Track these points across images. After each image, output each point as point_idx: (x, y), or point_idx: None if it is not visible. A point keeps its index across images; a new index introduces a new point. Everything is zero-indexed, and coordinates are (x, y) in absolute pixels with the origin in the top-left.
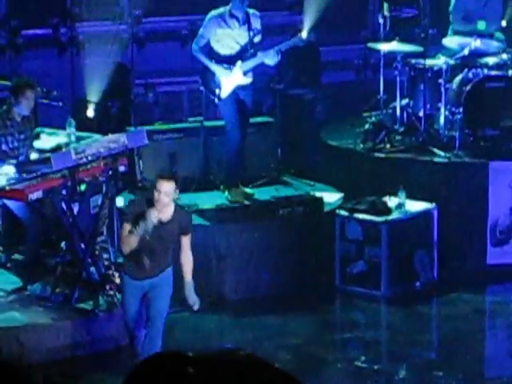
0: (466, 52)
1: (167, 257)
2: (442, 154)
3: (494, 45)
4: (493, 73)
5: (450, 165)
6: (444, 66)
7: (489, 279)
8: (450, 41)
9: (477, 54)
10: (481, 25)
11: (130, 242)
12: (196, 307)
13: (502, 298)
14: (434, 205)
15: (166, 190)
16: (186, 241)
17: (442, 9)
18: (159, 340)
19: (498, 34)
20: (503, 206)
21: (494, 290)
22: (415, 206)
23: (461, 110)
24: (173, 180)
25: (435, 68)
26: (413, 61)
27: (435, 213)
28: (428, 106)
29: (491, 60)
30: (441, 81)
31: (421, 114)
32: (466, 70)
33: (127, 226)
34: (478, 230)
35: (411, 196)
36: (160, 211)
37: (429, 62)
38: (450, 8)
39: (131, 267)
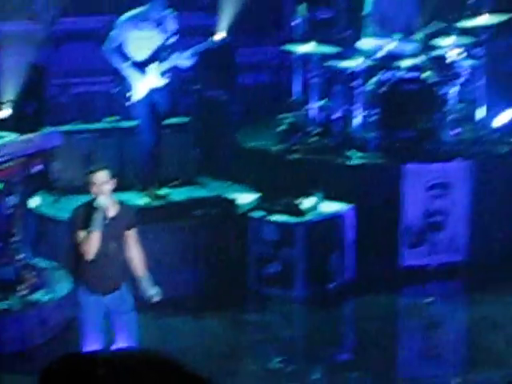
0: (381, 54)
1: (120, 260)
2: (357, 155)
3: (410, 47)
4: (408, 75)
5: (365, 166)
6: (359, 68)
7: (403, 281)
8: (366, 42)
9: (392, 56)
10: (397, 36)
11: (92, 244)
12: (158, 297)
13: (416, 299)
14: (349, 206)
15: (103, 179)
16: (132, 234)
17: (358, 11)
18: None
19: (415, 36)
20: (418, 207)
21: (409, 291)
22: (330, 208)
23: (376, 111)
24: (104, 169)
25: (351, 70)
26: (329, 62)
27: (350, 214)
28: (344, 108)
29: (407, 62)
30: (356, 83)
31: (336, 115)
32: (381, 71)
33: (81, 233)
34: (392, 231)
35: (326, 197)
36: (107, 208)
37: (345, 63)
38: (366, 10)
39: (89, 279)
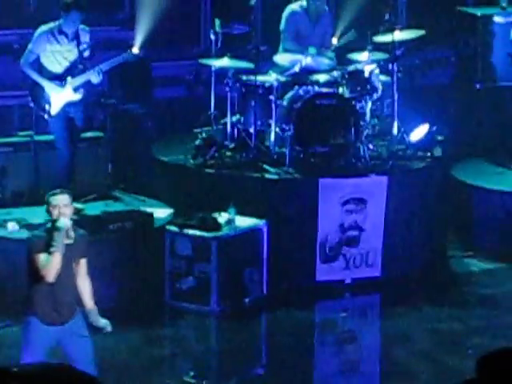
0: (296, 69)
1: (73, 288)
2: (273, 170)
3: (325, 62)
4: (323, 90)
5: (280, 181)
6: (275, 83)
7: (318, 295)
8: (281, 58)
9: (307, 71)
10: (311, 50)
11: (55, 265)
12: (109, 328)
13: (330, 314)
14: (264, 221)
15: (64, 202)
16: (84, 264)
17: (273, 26)
18: None
19: (330, 51)
20: (333, 222)
21: (323, 306)
22: (245, 222)
23: (291, 126)
24: (65, 193)
25: (266, 84)
26: (244, 77)
27: (265, 229)
28: (259, 123)
29: (322, 77)
30: (272, 97)
31: (251, 130)
32: (296, 86)
33: (41, 256)
34: (307, 246)
35: (241, 212)
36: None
37: (260, 78)
38: (281, 27)
39: (40, 309)
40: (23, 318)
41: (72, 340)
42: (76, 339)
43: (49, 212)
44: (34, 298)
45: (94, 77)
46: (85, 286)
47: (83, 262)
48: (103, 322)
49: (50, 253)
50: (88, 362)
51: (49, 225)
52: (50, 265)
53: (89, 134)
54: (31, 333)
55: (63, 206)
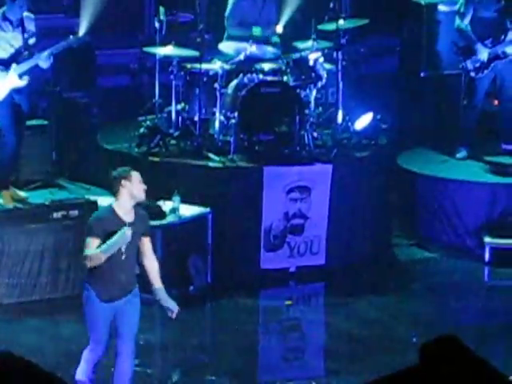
0: (241, 57)
1: (135, 264)
2: (217, 158)
3: (270, 50)
4: (268, 78)
5: (224, 169)
6: (220, 71)
7: (262, 283)
8: (226, 46)
9: (252, 60)
10: (256, 31)
11: (98, 260)
12: (176, 310)
13: (275, 302)
14: (208, 209)
15: (140, 178)
16: (148, 242)
17: (218, 14)
18: (133, 358)
19: (275, 39)
20: (277, 210)
21: (268, 294)
22: (190, 211)
23: (236, 114)
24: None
25: (211, 73)
26: (188, 65)
27: (210, 217)
28: (203, 111)
29: (267, 65)
30: (216, 85)
31: (196, 118)
32: (241, 75)
33: (94, 242)
34: (252, 234)
35: (186, 200)
36: (125, 212)
37: (204, 66)
38: (226, 13)
39: (100, 287)
40: (82, 294)
41: (125, 309)
42: (129, 309)
43: (117, 190)
44: (94, 275)
45: (43, 61)
46: (151, 264)
47: (147, 240)
48: (172, 303)
49: (99, 246)
50: (131, 332)
51: (112, 204)
52: (93, 259)
53: (33, 122)
54: (91, 308)
55: (140, 180)
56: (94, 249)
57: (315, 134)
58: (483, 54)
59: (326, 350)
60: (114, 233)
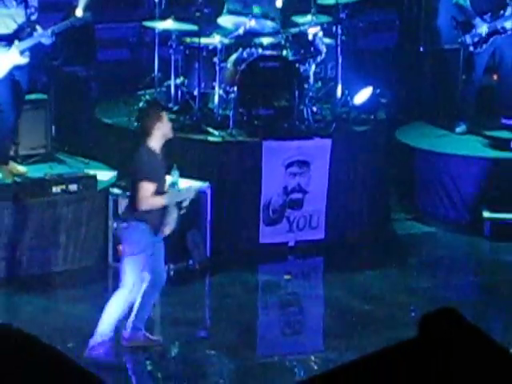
0: (240, 31)
1: None
2: (216, 132)
3: (269, 25)
4: (267, 53)
5: (223, 144)
6: (219, 45)
7: (261, 258)
8: (225, 20)
9: (252, 34)
10: (256, 9)
11: (158, 206)
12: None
13: (274, 276)
14: (207, 184)
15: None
16: None
17: None
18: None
19: (274, 14)
20: (277, 185)
21: (266, 268)
22: (189, 185)
23: (235, 89)
24: None
25: (210, 47)
26: (187, 39)
27: (209, 192)
28: (202, 85)
29: (266, 40)
30: (215, 60)
31: (195, 92)
32: (240, 49)
33: (151, 186)
34: (251, 209)
35: (185, 175)
36: (159, 151)
37: (203, 40)
38: None
39: (155, 221)
40: (130, 221)
41: (160, 245)
42: (160, 244)
43: (151, 132)
44: (151, 211)
45: (46, 38)
46: None
47: None
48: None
49: (161, 193)
50: (163, 268)
51: (148, 145)
52: (154, 204)
53: (32, 97)
54: (139, 235)
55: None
56: (150, 193)
57: (314, 109)
58: (482, 28)
59: (324, 325)
60: (161, 172)
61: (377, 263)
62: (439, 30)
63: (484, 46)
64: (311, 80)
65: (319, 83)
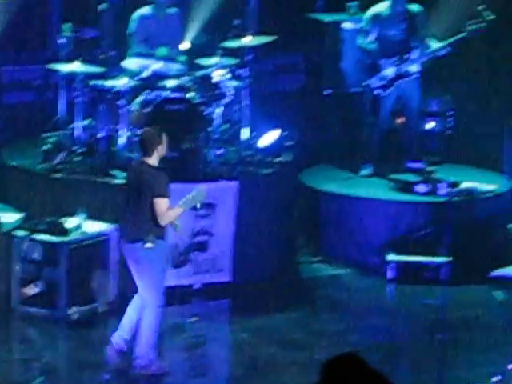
0: (146, 74)
1: None
2: (122, 175)
3: (175, 67)
4: (173, 95)
5: None
6: (124, 88)
7: (167, 300)
8: (131, 62)
9: (157, 76)
10: (162, 51)
11: (173, 218)
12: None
13: (179, 319)
14: (113, 226)
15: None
16: None
17: (123, 30)
18: None
19: (180, 56)
20: (184, 227)
21: (172, 311)
22: (94, 227)
23: (141, 131)
24: None
25: (115, 89)
26: (93, 82)
27: (114, 234)
28: (108, 128)
29: (171, 82)
30: (121, 102)
31: (101, 135)
32: (146, 91)
33: (165, 201)
34: None
35: (91, 217)
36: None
37: (109, 83)
38: (130, 30)
39: (165, 236)
40: (149, 241)
41: None
42: None
43: (152, 152)
44: (164, 226)
45: None
46: None
47: None
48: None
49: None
50: None
51: (149, 162)
52: (169, 217)
53: None
54: (160, 253)
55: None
56: (167, 207)
57: (220, 151)
58: (388, 72)
59: (230, 367)
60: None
61: (283, 306)
62: (344, 73)
63: (389, 90)
64: (217, 122)
65: (224, 126)
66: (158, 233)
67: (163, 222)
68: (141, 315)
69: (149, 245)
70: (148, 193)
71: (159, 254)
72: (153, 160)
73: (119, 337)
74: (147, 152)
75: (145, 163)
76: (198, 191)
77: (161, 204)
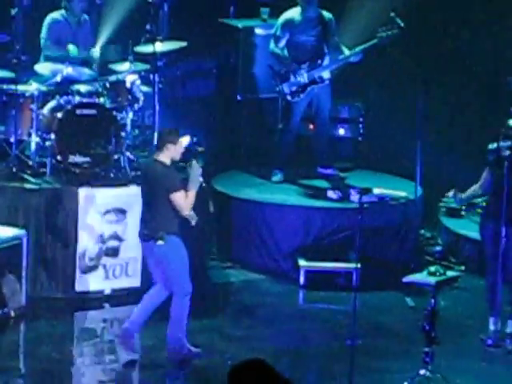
0: (58, 78)
1: None
2: (33, 180)
3: (87, 72)
4: (84, 100)
5: (40, 191)
6: (36, 92)
7: (77, 306)
8: (42, 67)
9: (69, 81)
10: (71, 50)
11: (191, 202)
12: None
13: (89, 324)
14: (23, 231)
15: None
16: None
17: (34, 35)
18: None
19: (91, 61)
20: (93, 232)
21: (83, 316)
22: (5, 232)
23: (52, 136)
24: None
25: (27, 94)
26: (4, 86)
27: (25, 239)
28: (19, 132)
29: (83, 87)
30: (33, 107)
31: (12, 139)
32: (57, 96)
33: (181, 194)
34: (67, 256)
35: (2, 222)
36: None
37: (20, 87)
38: (42, 34)
39: (177, 229)
40: (160, 238)
41: None
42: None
43: (162, 149)
44: (173, 219)
45: None
46: None
47: None
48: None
49: (186, 190)
50: None
51: (159, 159)
52: (189, 203)
53: None
54: (177, 248)
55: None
56: (184, 198)
57: (131, 157)
58: (299, 78)
59: (140, 373)
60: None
61: (194, 311)
62: (256, 78)
63: (301, 96)
64: (128, 128)
65: (136, 131)
66: (168, 229)
67: (186, 211)
68: (159, 303)
69: (160, 242)
70: (159, 191)
71: (172, 248)
72: (163, 157)
73: (127, 320)
74: (158, 146)
75: (157, 160)
76: (194, 166)
77: (179, 198)
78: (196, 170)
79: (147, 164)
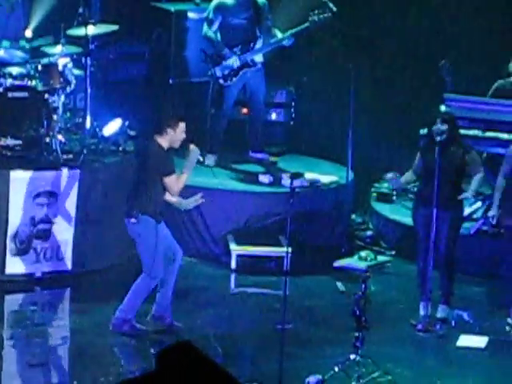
0: None
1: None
2: None
3: (18, 55)
4: (16, 83)
5: None
6: None
7: (7, 289)
8: None
9: (0, 64)
10: (5, 43)
11: (182, 186)
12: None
13: (19, 308)
14: None
15: (184, 128)
16: None
17: None
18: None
19: (23, 44)
20: (24, 215)
21: (13, 299)
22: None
23: None
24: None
25: None
26: None
27: None
28: None
29: (15, 70)
30: None
31: None
32: None
33: (174, 177)
34: None
35: None
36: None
37: None
38: None
39: (154, 210)
40: (133, 216)
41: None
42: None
43: (161, 133)
44: (150, 202)
45: None
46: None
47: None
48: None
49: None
50: (179, 249)
51: (159, 142)
52: (180, 186)
53: None
54: (149, 229)
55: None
56: (176, 180)
57: (63, 140)
58: (232, 61)
59: (70, 356)
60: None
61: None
62: (188, 62)
63: (234, 80)
64: (60, 111)
65: (68, 114)
66: (145, 209)
67: (175, 193)
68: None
69: (133, 220)
70: (149, 170)
71: (145, 229)
72: (162, 141)
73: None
74: (158, 130)
75: (155, 141)
76: (192, 150)
77: (171, 181)
78: (194, 153)
79: (145, 142)
